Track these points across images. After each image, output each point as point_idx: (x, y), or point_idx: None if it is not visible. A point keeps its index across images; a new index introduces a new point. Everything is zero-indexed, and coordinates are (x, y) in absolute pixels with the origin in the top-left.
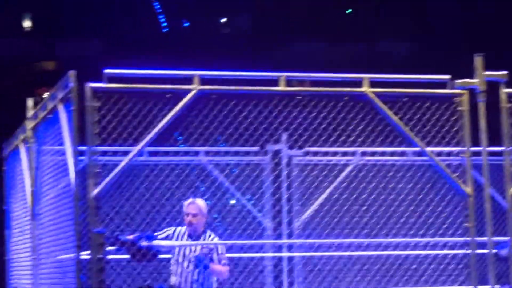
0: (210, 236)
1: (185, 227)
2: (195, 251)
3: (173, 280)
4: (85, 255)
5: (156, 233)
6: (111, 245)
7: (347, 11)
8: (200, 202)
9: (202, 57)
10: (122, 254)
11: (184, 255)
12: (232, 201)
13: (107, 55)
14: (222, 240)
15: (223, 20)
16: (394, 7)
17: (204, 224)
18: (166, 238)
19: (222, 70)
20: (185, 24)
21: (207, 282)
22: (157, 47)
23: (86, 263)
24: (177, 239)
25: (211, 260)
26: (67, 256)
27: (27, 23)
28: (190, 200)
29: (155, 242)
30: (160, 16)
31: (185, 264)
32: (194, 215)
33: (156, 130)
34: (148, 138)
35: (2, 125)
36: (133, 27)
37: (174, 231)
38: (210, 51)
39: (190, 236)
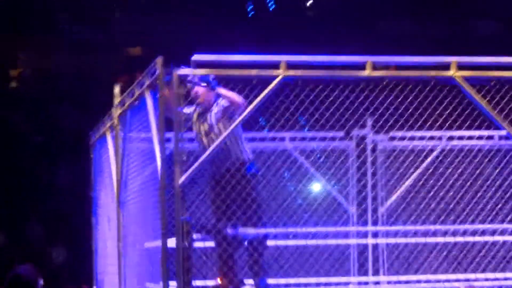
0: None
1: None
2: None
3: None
4: (171, 243)
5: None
6: (197, 232)
7: None
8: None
9: (288, 41)
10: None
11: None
12: (318, 187)
13: (196, 40)
14: None
15: (309, 2)
16: None
17: (211, 94)
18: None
19: (308, 55)
20: (271, 8)
21: None
22: (243, 31)
23: (173, 251)
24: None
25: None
26: (154, 244)
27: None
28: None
29: (240, 230)
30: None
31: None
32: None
33: (242, 116)
34: (235, 124)
35: (92, 111)
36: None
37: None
38: (296, 34)
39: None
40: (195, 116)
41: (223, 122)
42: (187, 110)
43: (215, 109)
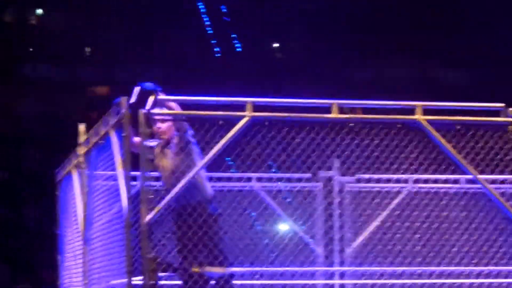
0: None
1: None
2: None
3: None
4: (137, 280)
5: None
6: (163, 271)
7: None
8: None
9: (254, 82)
10: (174, 280)
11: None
12: (284, 228)
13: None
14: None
15: (276, 45)
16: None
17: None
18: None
19: (274, 97)
20: (237, 49)
21: None
22: (210, 72)
23: None
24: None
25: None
26: (119, 281)
27: (87, 49)
28: None
29: (206, 269)
30: (213, 41)
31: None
32: (163, 133)
33: (209, 156)
34: (201, 164)
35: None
36: (188, 53)
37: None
38: (262, 76)
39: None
40: (157, 150)
41: (182, 157)
42: (150, 143)
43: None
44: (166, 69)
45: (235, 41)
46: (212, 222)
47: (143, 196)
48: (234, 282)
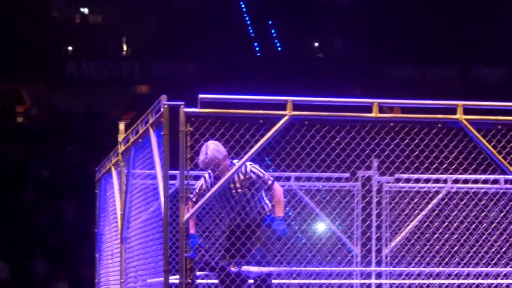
0: (244, 166)
1: (206, 174)
2: (238, 188)
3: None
4: (174, 279)
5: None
6: (201, 270)
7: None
8: (211, 149)
9: (295, 81)
10: (211, 279)
11: (229, 198)
12: (323, 227)
13: (203, 79)
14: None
15: (316, 44)
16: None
17: (228, 163)
18: (201, 188)
19: (314, 96)
20: (278, 49)
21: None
22: (251, 71)
23: (175, 287)
24: (211, 183)
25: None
26: (156, 280)
27: (123, 47)
28: (202, 154)
29: (244, 268)
30: (255, 43)
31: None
32: (217, 166)
33: (248, 155)
34: (240, 163)
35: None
36: (227, 52)
37: (203, 183)
38: (303, 75)
39: (219, 178)
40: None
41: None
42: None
43: (241, 177)
44: (205, 67)
45: (276, 40)
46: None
47: (182, 195)
48: (272, 281)
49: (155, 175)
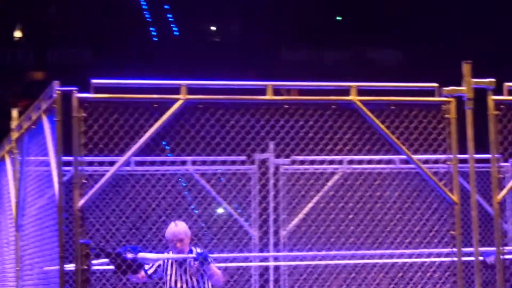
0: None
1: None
2: (186, 272)
3: None
4: (70, 266)
5: (146, 267)
6: (96, 256)
7: (336, 19)
8: (183, 225)
9: (191, 66)
10: (107, 265)
11: (176, 280)
12: (219, 210)
13: (97, 65)
14: (207, 250)
15: (213, 28)
16: (383, 15)
17: (189, 244)
18: (159, 267)
19: (210, 79)
20: (175, 33)
21: None
22: (147, 56)
23: (71, 274)
24: (166, 266)
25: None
26: (52, 267)
27: (17, 33)
28: (172, 226)
29: (140, 254)
30: (151, 27)
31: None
32: (181, 240)
33: (142, 140)
34: (134, 148)
35: None
36: (124, 37)
37: (164, 260)
38: (199, 60)
39: (177, 260)
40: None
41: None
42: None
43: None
44: (101, 53)
45: (172, 25)
46: None
47: (76, 181)
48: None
49: (49, 161)
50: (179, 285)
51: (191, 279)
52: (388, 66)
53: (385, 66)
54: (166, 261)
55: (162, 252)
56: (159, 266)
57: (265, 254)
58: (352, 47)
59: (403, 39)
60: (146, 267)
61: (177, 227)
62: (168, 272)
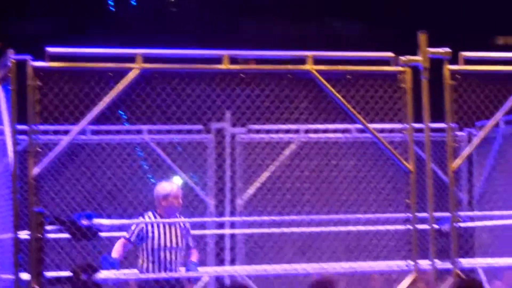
0: (180, 217)
1: (150, 213)
2: (172, 240)
3: (141, 263)
4: (24, 234)
5: (131, 230)
6: (51, 224)
7: None
8: (177, 184)
9: (149, 36)
10: (61, 233)
11: (161, 245)
12: (175, 179)
13: (55, 35)
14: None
15: None
16: None
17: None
18: (141, 231)
19: (165, 48)
20: (133, 3)
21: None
22: (105, 26)
23: (26, 243)
24: (153, 228)
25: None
26: (6, 235)
27: None
28: (168, 185)
29: (95, 221)
30: None
31: (163, 254)
32: (179, 198)
33: (98, 108)
34: (89, 116)
35: None
36: (81, 7)
37: (146, 223)
38: (157, 30)
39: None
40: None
41: None
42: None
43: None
44: (59, 23)
45: None
46: None
47: (31, 149)
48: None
49: (3, 130)
50: (169, 244)
51: (181, 240)
52: (348, 37)
53: (345, 37)
54: (150, 223)
55: (137, 216)
56: (141, 230)
57: (222, 218)
58: (313, 17)
59: (364, 10)
60: (126, 235)
61: (176, 186)
62: (156, 233)
